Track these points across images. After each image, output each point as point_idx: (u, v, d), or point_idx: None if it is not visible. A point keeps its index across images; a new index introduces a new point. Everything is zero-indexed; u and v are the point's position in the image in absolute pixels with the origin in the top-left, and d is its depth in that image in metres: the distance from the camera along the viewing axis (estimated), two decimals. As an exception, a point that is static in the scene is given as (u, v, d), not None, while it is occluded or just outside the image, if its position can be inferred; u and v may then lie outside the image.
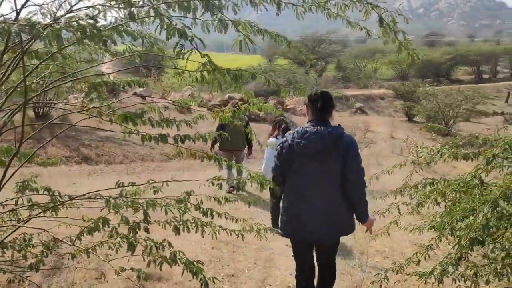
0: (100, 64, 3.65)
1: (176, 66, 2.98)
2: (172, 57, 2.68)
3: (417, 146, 12.01)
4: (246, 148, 7.88)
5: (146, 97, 13.80)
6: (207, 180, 2.82)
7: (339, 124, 3.28)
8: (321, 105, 3.18)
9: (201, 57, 2.20)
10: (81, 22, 1.66)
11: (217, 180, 2.90)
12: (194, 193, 2.81)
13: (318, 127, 3.09)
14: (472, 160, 3.88)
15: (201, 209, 2.77)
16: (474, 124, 23.62)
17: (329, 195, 3.16)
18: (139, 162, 9.05)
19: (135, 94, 14.55)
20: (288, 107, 20.14)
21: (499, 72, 51.36)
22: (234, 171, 6.88)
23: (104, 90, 3.44)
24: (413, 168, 4.36)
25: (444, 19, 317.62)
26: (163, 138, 3.05)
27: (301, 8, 2.46)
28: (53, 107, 9.40)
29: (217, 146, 7.75)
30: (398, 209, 3.54)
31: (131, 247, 2.19)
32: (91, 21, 1.66)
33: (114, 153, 9.32)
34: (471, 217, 2.58)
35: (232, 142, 7.15)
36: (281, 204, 3.45)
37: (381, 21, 2.62)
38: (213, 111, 3.25)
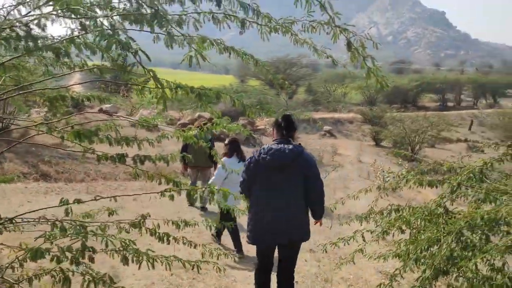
0: (61, 76, 3.49)
1: (137, 82, 2.85)
2: (137, 73, 2.55)
3: (383, 171, 12.16)
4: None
5: (113, 114, 13.49)
6: (159, 192, 2.66)
7: (299, 144, 3.76)
8: (285, 126, 3.71)
9: (144, 72, 2.10)
10: (16, 29, 1.52)
11: (168, 192, 2.75)
12: (150, 216, 2.63)
13: (282, 145, 3.58)
14: (436, 187, 3.89)
15: (157, 234, 2.61)
16: (439, 150, 24.23)
17: (291, 204, 3.64)
18: (101, 181, 8.69)
19: (101, 110, 14.10)
20: (258, 127, 20.11)
21: (462, 100, 53.01)
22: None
23: (67, 104, 3.28)
24: (379, 194, 4.31)
25: (411, 48, 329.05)
26: (121, 158, 2.91)
27: (266, 28, 2.37)
28: (12, 123, 8.99)
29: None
30: (363, 236, 3.46)
31: (66, 282, 1.99)
32: (25, 29, 1.51)
33: (75, 170, 8.93)
34: (436, 247, 2.52)
35: (197, 160, 6.85)
36: (246, 216, 3.76)
37: (349, 45, 2.58)
38: (176, 130, 3.12)
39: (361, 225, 4.21)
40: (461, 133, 32.25)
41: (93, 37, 2.00)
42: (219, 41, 2.64)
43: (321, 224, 4.08)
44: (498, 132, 32.62)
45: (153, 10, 1.89)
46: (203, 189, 2.81)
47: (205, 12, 2.35)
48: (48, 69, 2.99)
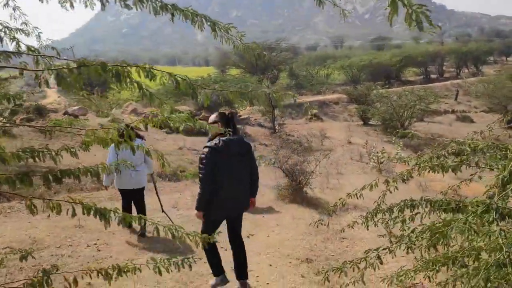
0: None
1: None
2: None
3: (377, 152, 11.42)
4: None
5: (79, 116, 12.46)
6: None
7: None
8: (232, 121, 4.49)
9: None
10: None
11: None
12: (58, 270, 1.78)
13: (235, 137, 4.38)
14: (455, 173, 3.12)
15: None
16: (428, 124, 23.62)
17: (245, 182, 4.47)
18: (63, 194, 7.73)
19: (66, 113, 12.94)
20: (241, 117, 19.24)
21: (445, 71, 52.92)
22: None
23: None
24: (387, 188, 3.52)
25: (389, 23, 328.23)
26: (24, 179, 2.08)
27: None
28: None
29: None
30: (379, 257, 2.62)
31: None
32: None
33: (35, 184, 7.91)
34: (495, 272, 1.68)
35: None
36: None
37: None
38: (86, 133, 2.30)
39: (367, 228, 3.41)
40: (448, 104, 31.89)
41: None
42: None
43: (254, 205, 4.76)
44: (484, 100, 32.36)
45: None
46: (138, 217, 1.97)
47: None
48: None
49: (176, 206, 7.05)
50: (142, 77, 2.07)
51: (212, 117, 4.45)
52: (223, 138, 4.20)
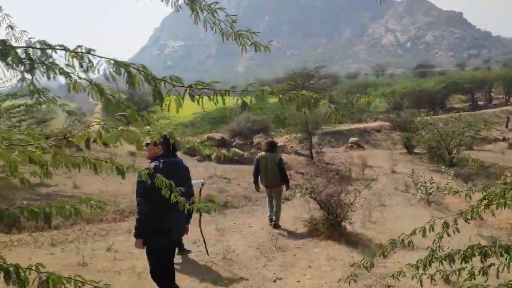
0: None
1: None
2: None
3: (425, 182, 10.37)
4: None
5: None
6: None
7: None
8: (173, 143, 4.15)
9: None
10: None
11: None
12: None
13: (175, 158, 4.32)
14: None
15: None
16: (478, 152, 22.10)
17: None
18: (80, 225, 7.17)
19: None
20: (278, 145, 18.56)
21: (493, 98, 50.77)
22: None
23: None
24: (443, 229, 2.72)
25: (432, 51, 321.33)
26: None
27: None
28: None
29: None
30: None
31: None
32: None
33: (51, 213, 7.45)
34: None
35: (267, 179, 7.81)
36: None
37: None
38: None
39: (420, 284, 2.62)
40: (499, 131, 30.16)
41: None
42: None
43: (187, 232, 4.59)
44: (537, 127, 30.67)
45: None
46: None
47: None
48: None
49: (197, 242, 6.33)
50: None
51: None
52: (163, 160, 4.09)
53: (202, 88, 1.67)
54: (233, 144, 15.89)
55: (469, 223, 3.02)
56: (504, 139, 28.04)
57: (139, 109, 3.28)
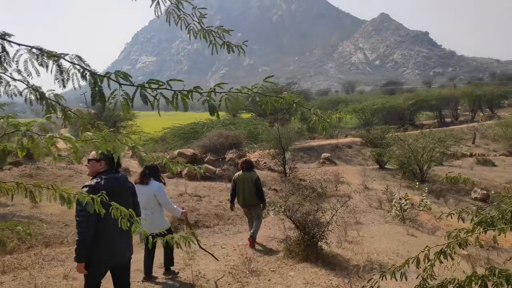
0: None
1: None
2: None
3: (400, 199, 10.21)
4: None
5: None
6: None
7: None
8: (116, 160, 3.45)
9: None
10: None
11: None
12: None
13: (119, 174, 4.00)
14: None
15: None
16: (449, 168, 22.35)
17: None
18: (37, 248, 6.57)
19: (60, 155, 12.01)
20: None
21: (459, 115, 52.17)
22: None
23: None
24: (435, 257, 2.44)
25: (400, 69, 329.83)
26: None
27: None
28: None
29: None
30: None
31: None
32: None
33: (6, 237, 6.78)
34: None
35: (245, 199, 7.70)
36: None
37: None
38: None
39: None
40: (466, 147, 30.77)
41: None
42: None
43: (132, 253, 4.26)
44: (503, 143, 31.53)
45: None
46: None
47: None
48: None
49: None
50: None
51: (93, 154, 3.87)
52: (106, 176, 3.85)
53: (158, 88, 1.33)
54: (205, 160, 15.43)
55: (464, 249, 2.75)
56: (471, 155, 28.59)
57: (107, 125, 3.08)
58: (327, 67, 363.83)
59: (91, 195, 2.82)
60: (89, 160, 3.90)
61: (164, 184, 5.89)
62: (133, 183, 4.30)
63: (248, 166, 7.87)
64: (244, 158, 8.51)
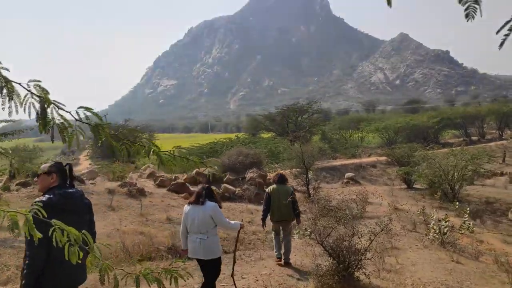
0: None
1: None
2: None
3: (439, 220, 9.24)
4: None
5: (87, 180, 10.98)
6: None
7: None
8: (71, 174, 3.70)
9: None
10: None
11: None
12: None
13: (73, 190, 3.62)
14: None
15: None
16: (481, 187, 21.16)
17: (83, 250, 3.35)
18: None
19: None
20: (270, 180, 17.43)
21: (486, 133, 50.53)
22: None
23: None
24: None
25: (421, 88, 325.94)
26: None
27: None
28: None
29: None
30: None
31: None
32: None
33: (6, 265, 6.16)
34: None
35: (281, 214, 7.39)
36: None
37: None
38: None
39: None
40: (497, 166, 29.44)
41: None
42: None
43: None
44: (534, 161, 30.10)
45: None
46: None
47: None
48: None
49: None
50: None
51: (45, 166, 3.58)
52: (59, 191, 3.51)
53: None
54: (224, 179, 14.70)
55: None
56: (501, 174, 27.28)
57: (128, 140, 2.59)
58: (347, 87, 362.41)
59: (34, 212, 2.28)
60: (37, 174, 3.53)
61: (220, 206, 5.38)
62: (89, 200, 3.80)
63: (282, 179, 7.59)
64: (277, 171, 8.09)
